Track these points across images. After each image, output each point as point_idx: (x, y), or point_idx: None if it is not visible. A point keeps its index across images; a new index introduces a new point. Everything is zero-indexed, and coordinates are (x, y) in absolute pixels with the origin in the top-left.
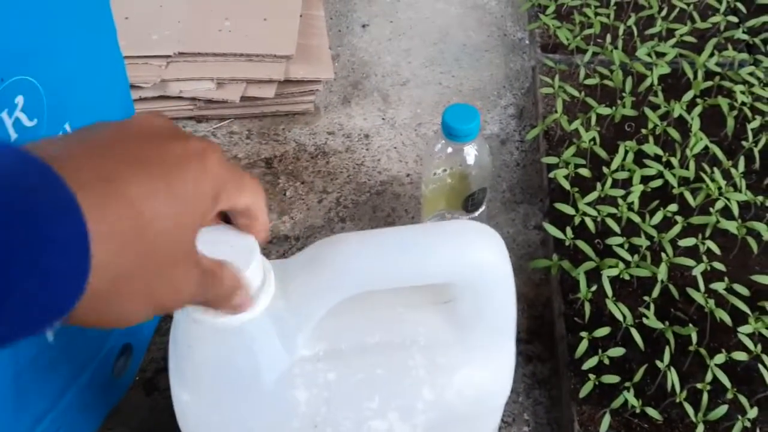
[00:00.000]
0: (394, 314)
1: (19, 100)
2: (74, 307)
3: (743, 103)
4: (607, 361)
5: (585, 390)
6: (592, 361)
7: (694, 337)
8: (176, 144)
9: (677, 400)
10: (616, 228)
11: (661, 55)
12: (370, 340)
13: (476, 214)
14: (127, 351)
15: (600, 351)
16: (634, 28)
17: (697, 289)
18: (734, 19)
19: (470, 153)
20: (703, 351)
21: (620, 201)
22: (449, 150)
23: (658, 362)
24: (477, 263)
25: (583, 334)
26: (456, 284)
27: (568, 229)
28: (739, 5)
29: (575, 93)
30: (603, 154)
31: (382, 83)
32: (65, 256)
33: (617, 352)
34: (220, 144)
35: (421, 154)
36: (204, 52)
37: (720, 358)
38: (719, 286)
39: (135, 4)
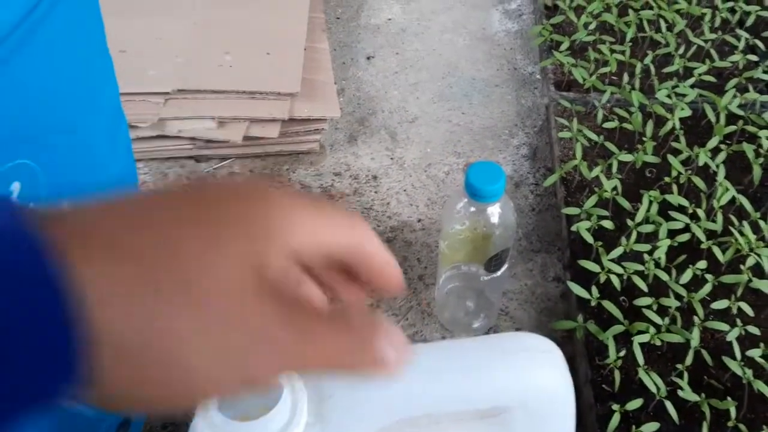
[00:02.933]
0: (438, 430)
1: (16, 186)
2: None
3: None
4: None
5: None
6: None
7: (733, 412)
8: (213, 184)
9: None
10: (643, 286)
11: (680, 96)
12: None
13: (498, 273)
14: (125, 425)
15: (633, 426)
16: (652, 67)
17: (733, 357)
18: (753, 57)
19: (494, 213)
20: (742, 427)
21: (646, 257)
22: (472, 209)
23: None
24: (536, 385)
25: (615, 406)
26: (514, 407)
27: (594, 289)
28: (758, 42)
29: (594, 137)
30: (626, 204)
31: (389, 120)
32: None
33: (651, 427)
34: None
35: (433, 198)
36: (204, 89)
37: None
38: (755, 353)
39: (131, 36)
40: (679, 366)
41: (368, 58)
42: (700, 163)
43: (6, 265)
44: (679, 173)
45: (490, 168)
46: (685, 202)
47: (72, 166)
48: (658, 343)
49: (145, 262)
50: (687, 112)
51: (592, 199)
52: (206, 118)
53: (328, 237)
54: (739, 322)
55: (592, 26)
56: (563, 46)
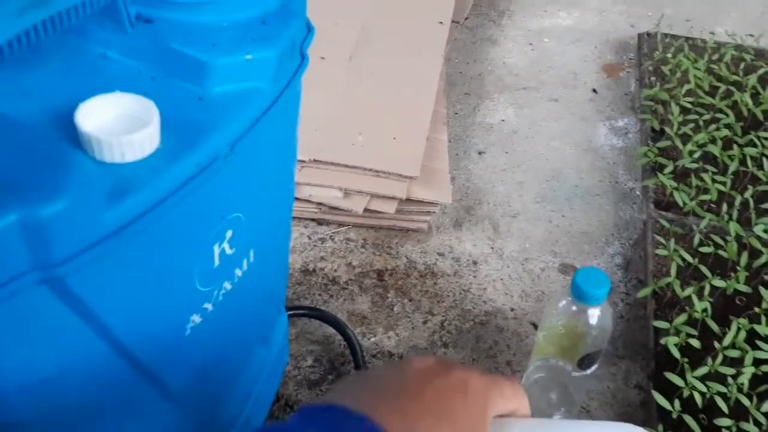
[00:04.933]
0: None
1: (229, 233)
2: None
3: None
4: None
5: None
6: None
7: None
8: (444, 379)
9: None
10: (723, 407)
11: None
12: None
13: (587, 372)
14: None
15: None
16: (751, 201)
17: None
18: None
19: (594, 315)
20: None
21: (730, 380)
22: (573, 308)
23: None
24: None
25: None
26: None
27: (676, 401)
28: None
29: (689, 259)
30: (714, 326)
31: (494, 212)
32: None
33: None
34: (337, 249)
35: (527, 290)
36: (336, 162)
37: None
38: None
39: None
40: None
41: (479, 153)
42: None
43: None
44: None
45: (597, 274)
46: None
47: (262, 220)
48: None
49: None
50: None
51: (683, 317)
52: (334, 188)
53: (507, 407)
54: None
55: (696, 155)
56: (667, 169)
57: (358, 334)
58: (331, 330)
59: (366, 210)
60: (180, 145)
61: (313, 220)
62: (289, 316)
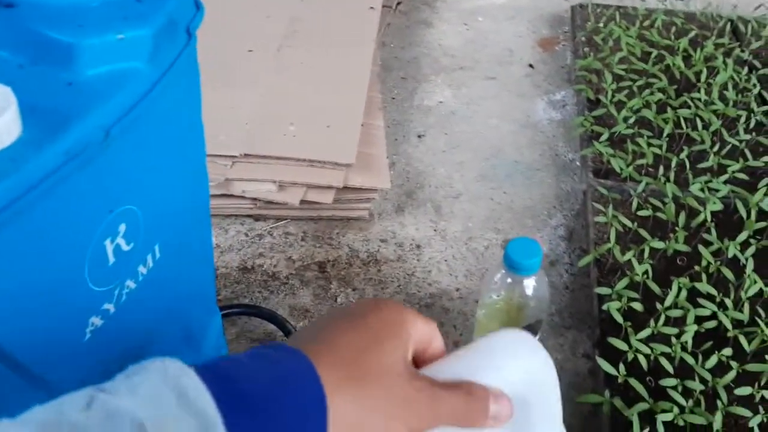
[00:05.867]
0: None
1: (122, 227)
2: None
3: None
4: None
5: None
6: None
7: None
8: (366, 304)
9: None
10: (669, 367)
11: (713, 190)
12: None
13: None
14: None
15: None
16: (686, 161)
17: None
18: None
19: (530, 286)
20: None
21: (674, 340)
22: (509, 281)
23: None
24: (526, 376)
25: None
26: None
27: (621, 365)
28: None
29: (628, 223)
30: (656, 288)
31: (435, 194)
32: (311, 411)
33: None
34: (276, 244)
35: (471, 269)
36: (268, 155)
37: None
38: None
39: (207, 104)
40: None
41: (419, 136)
42: (730, 255)
43: (294, 366)
44: (709, 263)
45: (529, 244)
46: (713, 291)
47: (164, 214)
48: (681, 423)
49: (348, 367)
50: (719, 206)
51: (624, 281)
52: (268, 182)
53: (425, 335)
54: (761, 409)
55: (631, 120)
56: (603, 137)
57: (300, 328)
58: (272, 327)
59: (303, 202)
60: (45, 133)
61: (249, 216)
62: (224, 315)
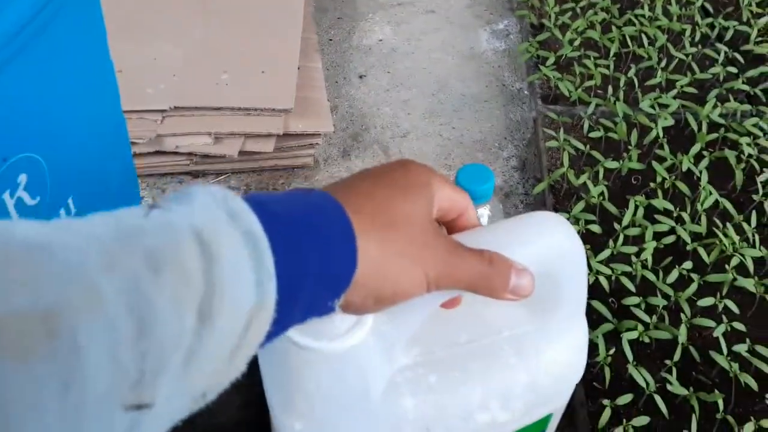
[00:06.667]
0: (475, 311)
1: (23, 178)
2: (353, 282)
3: (750, 156)
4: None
5: None
6: None
7: (721, 404)
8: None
9: None
10: (630, 286)
11: (664, 106)
12: (460, 339)
13: None
14: None
15: (624, 420)
16: (635, 79)
17: (720, 352)
18: (733, 69)
19: (484, 215)
20: (730, 419)
21: (633, 258)
22: None
23: None
24: (556, 253)
25: (605, 401)
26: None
27: None
28: (737, 56)
29: (580, 146)
30: (613, 209)
31: (381, 135)
32: (340, 240)
33: (642, 421)
34: None
35: None
36: (201, 106)
37: (749, 427)
38: (741, 348)
39: (129, 57)
40: (668, 362)
41: (360, 77)
42: (684, 169)
43: (324, 202)
44: (664, 179)
45: (479, 170)
46: (670, 206)
47: (76, 164)
48: (647, 340)
49: (372, 213)
50: (670, 122)
51: (580, 205)
52: (203, 134)
53: (455, 201)
54: (725, 318)
55: (576, 42)
56: (549, 62)
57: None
58: None
59: (242, 153)
60: None
61: (186, 173)
62: None
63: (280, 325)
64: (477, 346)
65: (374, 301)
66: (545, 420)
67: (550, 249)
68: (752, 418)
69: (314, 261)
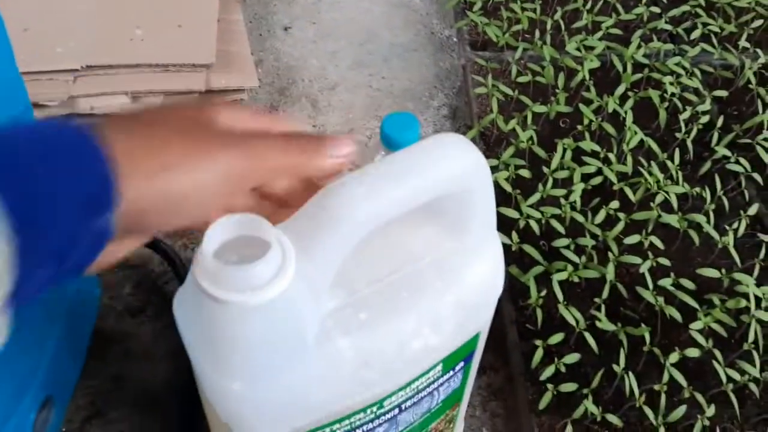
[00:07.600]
0: (392, 243)
1: None
2: (123, 195)
3: (673, 94)
4: (563, 369)
5: (544, 401)
6: (549, 371)
7: (647, 337)
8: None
9: (636, 405)
10: (560, 229)
11: (589, 48)
12: (384, 271)
13: None
14: (48, 404)
15: (555, 358)
16: (562, 22)
17: (646, 287)
18: (656, 9)
19: None
20: (657, 350)
21: (563, 200)
22: None
23: (614, 366)
24: (461, 172)
25: (538, 342)
26: (444, 197)
27: (514, 234)
28: None
29: (509, 92)
30: (542, 153)
31: (309, 88)
32: (86, 157)
33: (573, 358)
34: None
35: (356, 162)
36: (115, 64)
37: (674, 356)
38: (666, 282)
39: (34, 14)
40: (597, 300)
41: (285, 29)
42: (610, 110)
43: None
44: (591, 121)
45: (404, 118)
46: (597, 148)
47: None
48: (576, 280)
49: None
50: (596, 64)
51: (510, 150)
52: (119, 94)
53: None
54: (650, 255)
55: None
56: (476, 7)
57: (179, 246)
58: (147, 251)
59: None
60: None
61: None
62: None
63: (40, 256)
64: (401, 277)
65: (163, 210)
66: (473, 341)
67: (454, 169)
68: (677, 348)
69: (55, 185)
